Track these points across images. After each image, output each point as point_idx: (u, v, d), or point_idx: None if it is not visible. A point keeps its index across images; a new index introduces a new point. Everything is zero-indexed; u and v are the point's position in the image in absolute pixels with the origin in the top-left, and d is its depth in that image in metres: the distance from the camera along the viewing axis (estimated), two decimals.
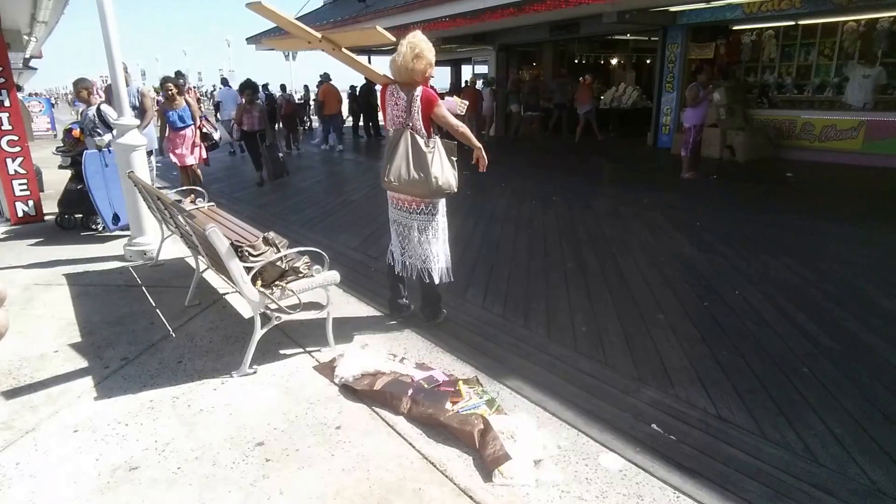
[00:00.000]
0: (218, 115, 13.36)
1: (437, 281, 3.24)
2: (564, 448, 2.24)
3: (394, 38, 2.93)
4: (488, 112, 14.49)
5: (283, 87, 15.57)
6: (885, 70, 9.11)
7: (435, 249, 3.22)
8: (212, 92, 24.58)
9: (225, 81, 15.31)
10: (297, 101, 16.29)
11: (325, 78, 13.44)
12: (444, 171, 3.06)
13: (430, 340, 3.21)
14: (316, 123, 15.75)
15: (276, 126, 13.94)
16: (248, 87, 8.80)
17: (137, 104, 6.49)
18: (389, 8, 11.68)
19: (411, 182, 3.03)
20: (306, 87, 18.49)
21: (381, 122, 15.49)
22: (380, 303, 3.74)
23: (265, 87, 15.82)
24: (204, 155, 7.11)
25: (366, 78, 11.39)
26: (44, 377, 2.84)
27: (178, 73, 8.81)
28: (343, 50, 3.21)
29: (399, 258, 3.30)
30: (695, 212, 6.23)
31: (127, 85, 5.71)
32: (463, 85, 16.99)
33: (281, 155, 8.44)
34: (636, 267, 4.46)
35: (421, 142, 3.04)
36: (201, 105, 9.40)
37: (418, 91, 3.04)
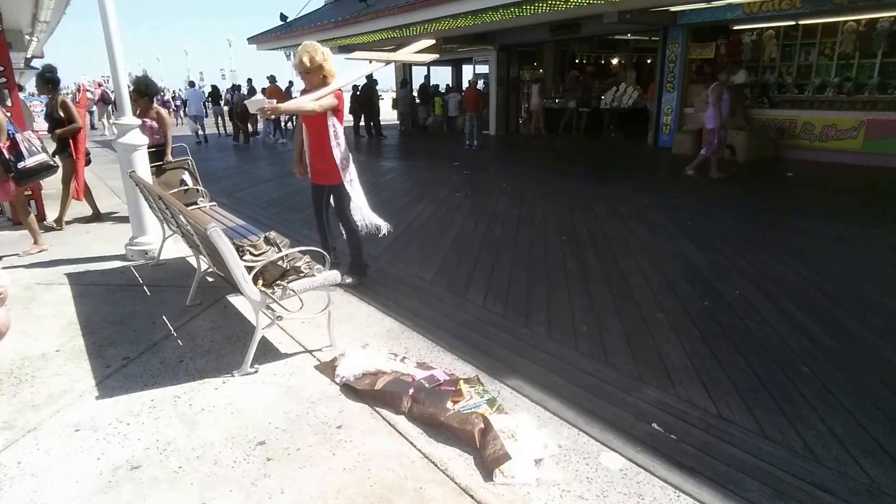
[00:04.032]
0: (184, 112, 15.77)
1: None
2: (565, 447, 2.25)
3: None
4: (537, 108, 14.74)
5: (237, 88, 16.73)
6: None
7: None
8: (180, 92, 27.24)
9: (192, 83, 18.20)
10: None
11: (272, 80, 15.08)
12: None
13: (431, 339, 3.22)
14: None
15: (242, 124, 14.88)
16: (135, 87, 5.81)
17: None
18: (390, 8, 11.66)
19: None
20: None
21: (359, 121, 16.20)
22: (381, 302, 3.75)
23: (232, 88, 17.59)
24: (12, 187, 4.84)
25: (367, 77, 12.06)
26: (45, 376, 2.85)
27: (49, 68, 5.94)
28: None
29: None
30: (695, 211, 6.23)
31: None
32: (465, 84, 17.09)
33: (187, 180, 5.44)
34: (637, 266, 4.46)
35: None
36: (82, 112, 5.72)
37: None
